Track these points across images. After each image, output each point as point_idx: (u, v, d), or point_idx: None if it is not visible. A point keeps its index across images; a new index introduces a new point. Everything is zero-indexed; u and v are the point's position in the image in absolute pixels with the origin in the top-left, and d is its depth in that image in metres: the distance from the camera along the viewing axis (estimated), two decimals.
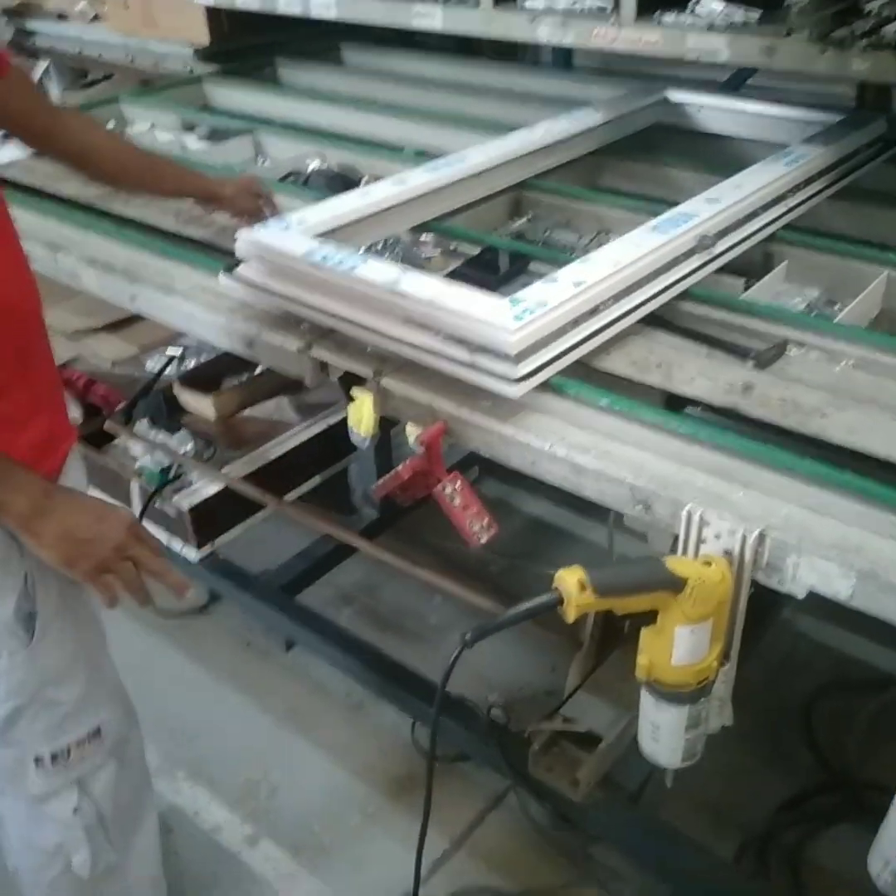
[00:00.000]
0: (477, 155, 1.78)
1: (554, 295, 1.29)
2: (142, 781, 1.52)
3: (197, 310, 1.59)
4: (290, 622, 2.08)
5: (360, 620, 2.40)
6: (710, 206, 1.52)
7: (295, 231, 1.51)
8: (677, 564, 1.05)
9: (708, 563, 1.06)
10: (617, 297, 1.36)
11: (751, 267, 1.65)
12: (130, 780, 1.44)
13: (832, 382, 1.27)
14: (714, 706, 1.16)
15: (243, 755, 2.08)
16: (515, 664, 2.24)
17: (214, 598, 2.42)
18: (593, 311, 1.33)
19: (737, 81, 2.56)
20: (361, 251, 1.67)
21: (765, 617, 1.91)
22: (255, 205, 1.69)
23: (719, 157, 2.07)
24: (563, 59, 3.17)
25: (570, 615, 1.03)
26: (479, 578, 2.40)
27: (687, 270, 1.46)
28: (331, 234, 1.54)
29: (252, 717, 2.16)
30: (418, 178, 1.68)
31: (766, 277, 1.57)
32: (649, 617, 1.08)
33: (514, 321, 1.23)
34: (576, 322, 1.31)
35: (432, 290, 1.30)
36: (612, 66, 3.01)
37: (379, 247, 1.76)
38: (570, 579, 1.02)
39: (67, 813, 1.35)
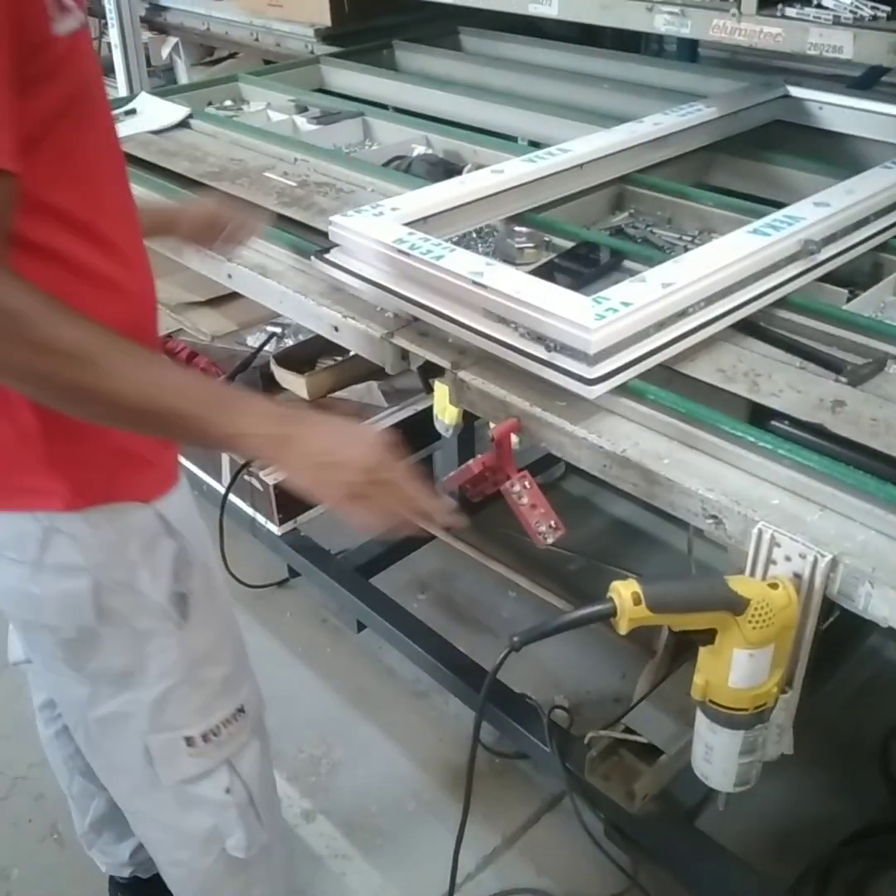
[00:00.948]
0: (579, 146, 1.75)
1: (640, 295, 1.26)
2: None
3: (288, 291, 1.61)
4: (361, 604, 2.09)
5: (434, 608, 2.40)
6: (818, 210, 1.46)
7: (388, 218, 1.51)
8: (740, 584, 1.01)
9: (774, 586, 1.01)
10: (708, 301, 1.32)
11: (858, 276, 1.57)
12: (269, 758, 1.41)
13: None
14: (772, 733, 1.11)
15: (308, 730, 2.11)
16: (586, 667, 2.21)
17: (294, 574, 2.45)
18: (681, 315, 1.29)
19: (869, 79, 2.44)
20: (454, 240, 1.67)
21: (846, 643, 1.83)
22: (209, 236, 1.49)
23: (842, 157, 1.97)
24: (689, 50, 3.09)
25: (622, 628, 1.00)
26: (555, 576, 2.36)
27: (786, 277, 1.40)
28: (423, 223, 1.54)
29: (320, 693, 2.19)
30: (517, 169, 1.66)
31: (873, 288, 1.50)
32: (708, 635, 1.04)
33: (595, 320, 1.20)
34: (661, 324, 1.27)
35: (515, 284, 1.29)
36: (739, 59, 2.92)
37: (473, 236, 1.75)
38: (624, 592, 0.99)
39: (220, 793, 1.30)
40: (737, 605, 0.99)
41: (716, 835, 1.65)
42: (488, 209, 1.64)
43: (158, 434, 1.05)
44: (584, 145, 1.75)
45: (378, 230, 1.46)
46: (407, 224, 1.49)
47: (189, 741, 1.25)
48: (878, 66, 2.32)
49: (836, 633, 1.66)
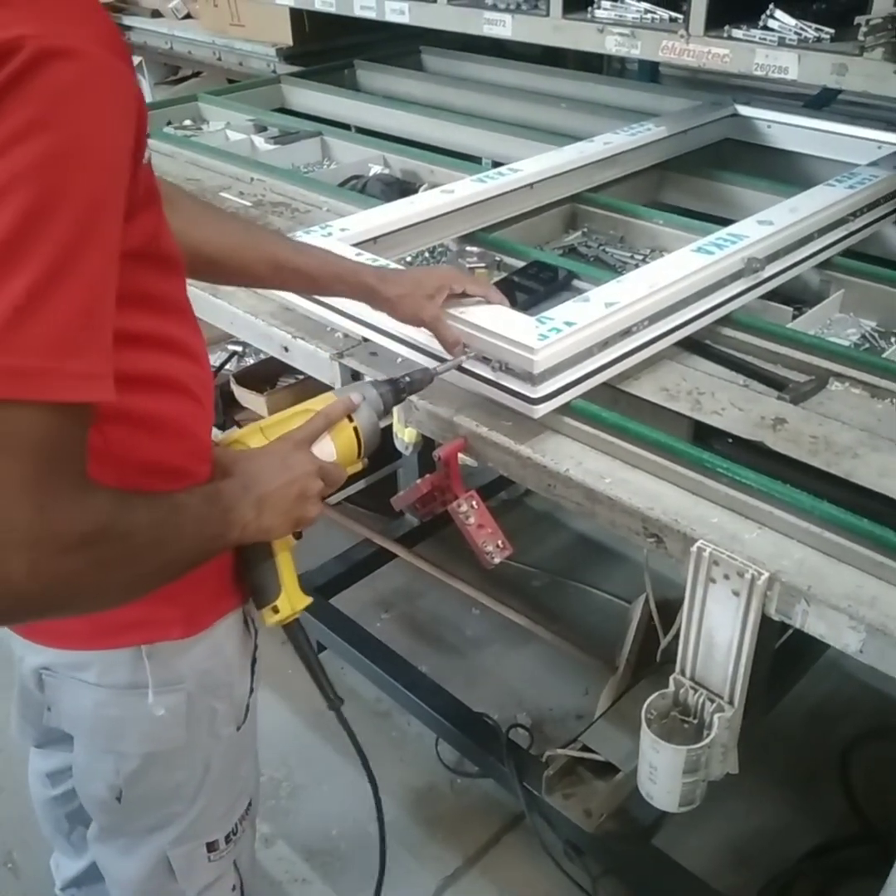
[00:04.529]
0: (529, 166, 1.76)
1: (584, 314, 1.26)
2: None
3: (239, 312, 1.61)
4: (319, 625, 2.07)
5: (397, 627, 2.39)
6: (761, 228, 1.47)
7: (336, 238, 1.51)
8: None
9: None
10: (652, 320, 1.32)
11: (805, 294, 1.60)
12: (254, 842, 1.34)
13: (871, 421, 1.22)
14: (716, 753, 1.11)
15: (268, 753, 2.06)
16: (549, 684, 2.21)
17: None
18: (625, 333, 1.30)
19: (824, 98, 2.47)
20: (407, 260, 1.68)
21: (802, 658, 1.84)
22: (429, 312, 1.25)
23: (793, 175, 2.00)
24: (650, 70, 3.12)
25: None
26: (519, 593, 2.37)
27: (730, 294, 1.41)
28: (373, 243, 1.54)
29: (282, 716, 2.17)
30: (466, 189, 1.67)
31: (819, 306, 1.52)
32: None
33: (538, 340, 1.20)
34: (605, 343, 1.28)
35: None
36: (700, 78, 2.94)
37: (427, 255, 1.76)
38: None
39: (227, 893, 1.25)
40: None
41: (674, 852, 1.65)
42: (439, 229, 1.64)
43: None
44: (534, 165, 1.77)
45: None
46: (356, 244, 1.49)
47: (212, 847, 1.19)
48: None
49: (791, 648, 1.68)
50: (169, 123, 2.52)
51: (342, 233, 1.52)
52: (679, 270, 1.36)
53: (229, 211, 1.24)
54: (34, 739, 1.31)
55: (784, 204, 1.55)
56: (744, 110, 2.11)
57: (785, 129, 2.05)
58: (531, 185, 1.74)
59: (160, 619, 1.01)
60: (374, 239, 1.55)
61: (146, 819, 1.15)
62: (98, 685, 1.03)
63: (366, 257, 1.42)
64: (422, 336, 1.33)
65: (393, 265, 1.42)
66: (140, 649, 1.01)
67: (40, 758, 1.36)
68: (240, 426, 2.36)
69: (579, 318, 1.25)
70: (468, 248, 1.68)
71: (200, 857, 1.18)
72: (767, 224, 1.47)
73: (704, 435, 1.24)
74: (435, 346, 1.29)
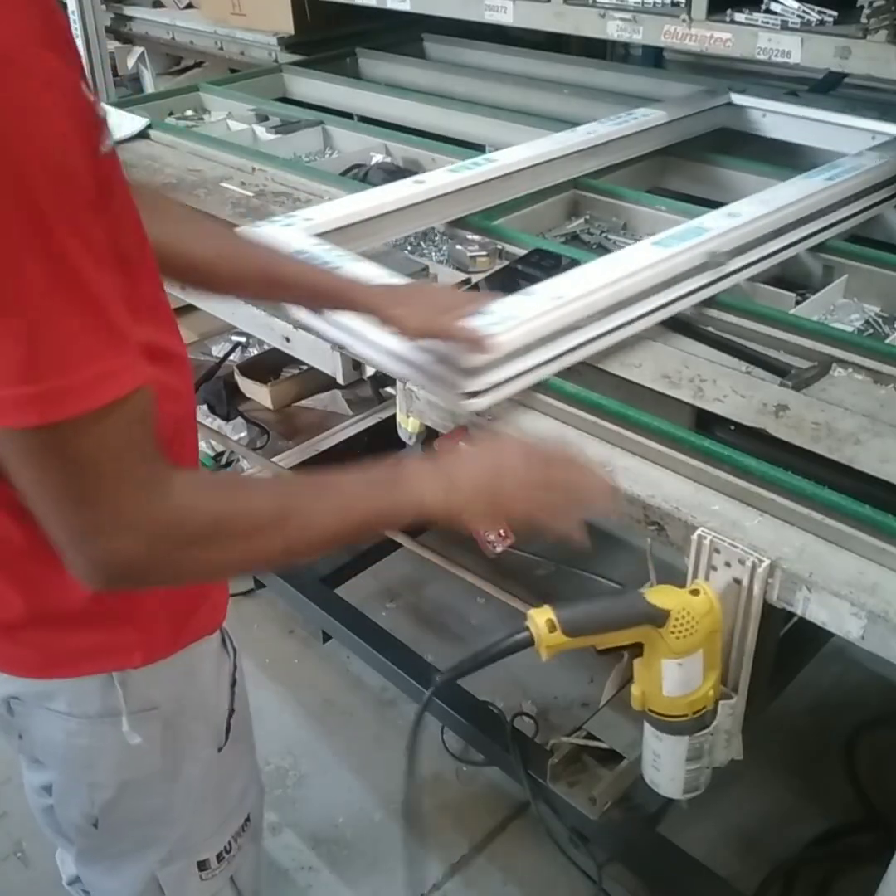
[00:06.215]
0: (504, 156, 1.75)
1: (527, 309, 1.24)
2: None
3: (239, 302, 1.60)
4: (324, 615, 2.08)
5: (402, 616, 2.39)
6: (728, 221, 1.45)
7: (297, 228, 1.48)
8: (659, 596, 0.99)
9: (696, 592, 1.00)
10: (604, 314, 1.29)
11: (809, 280, 1.59)
12: (261, 857, 1.31)
13: (873, 407, 1.21)
14: (720, 739, 1.11)
15: (275, 742, 2.09)
16: (554, 672, 2.20)
17: (259, 584, 2.44)
18: (573, 327, 1.26)
19: (829, 83, 2.45)
20: (381, 247, 1.64)
21: (807, 645, 1.83)
22: (439, 325, 1.17)
23: (793, 162, 1.99)
24: (653, 56, 3.10)
25: (543, 655, 0.97)
26: (523, 581, 2.37)
27: (689, 288, 1.38)
28: (341, 233, 1.52)
29: (288, 705, 2.18)
30: (438, 179, 1.66)
31: (822, 292, 1.51)
32: (636, 649, 1.03)
33: None
34: (550, 337, 1.24)
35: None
36: (704, 63, 2.92)
37: (421, 243, 1.74)
38: (539, 619, 0.96)
39: None
40: (657, 618, 0.98)
41: (679, 839, 1.65)
42: (414, 218, 1.63)
43: (350, 543, 0.96)
44: (511, 155, 1.76)
45: (281, 240, 1.41)
46: (320, 235, 1.46)
47: (202, 865, 1.16)
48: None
49: (796, 635, 1.68)
50: (171, 114, 2.50)
51: (306, 223, 1.49)
52: (632, 264, 1.33)
53: (219, 222, 1.19)
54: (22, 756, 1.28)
55: (756, 196, 1.53)
56: (738, 99, 2.09)
57: (779, 119, 2.03)
58: (510, 174, 1.72)
59: (120, 647, 0.97)
60: (342, 228, 1.52)
61: (125, 843, 1.13)
62: (69, 715, 0.99)
63: (324, 247, 1.39)
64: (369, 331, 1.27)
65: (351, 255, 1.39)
66: (111, 676, 0.98)
67: (32, 772, 1.32)
68: (245, 417, 2.38)
69: (523, 312, 1.23)
70: (469, 236, 1.67)
71: (191, 876, 1.16)
72: (734, 216, 1.45)
73: (706, 422, 1.24)
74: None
